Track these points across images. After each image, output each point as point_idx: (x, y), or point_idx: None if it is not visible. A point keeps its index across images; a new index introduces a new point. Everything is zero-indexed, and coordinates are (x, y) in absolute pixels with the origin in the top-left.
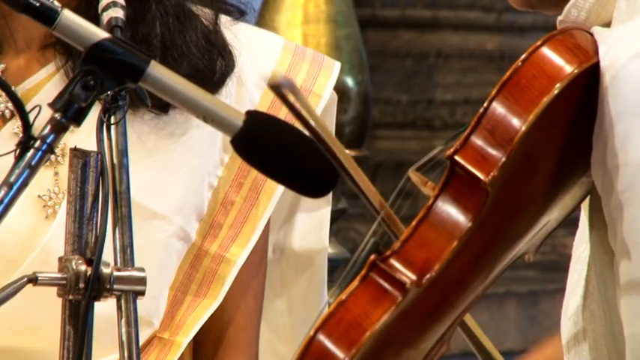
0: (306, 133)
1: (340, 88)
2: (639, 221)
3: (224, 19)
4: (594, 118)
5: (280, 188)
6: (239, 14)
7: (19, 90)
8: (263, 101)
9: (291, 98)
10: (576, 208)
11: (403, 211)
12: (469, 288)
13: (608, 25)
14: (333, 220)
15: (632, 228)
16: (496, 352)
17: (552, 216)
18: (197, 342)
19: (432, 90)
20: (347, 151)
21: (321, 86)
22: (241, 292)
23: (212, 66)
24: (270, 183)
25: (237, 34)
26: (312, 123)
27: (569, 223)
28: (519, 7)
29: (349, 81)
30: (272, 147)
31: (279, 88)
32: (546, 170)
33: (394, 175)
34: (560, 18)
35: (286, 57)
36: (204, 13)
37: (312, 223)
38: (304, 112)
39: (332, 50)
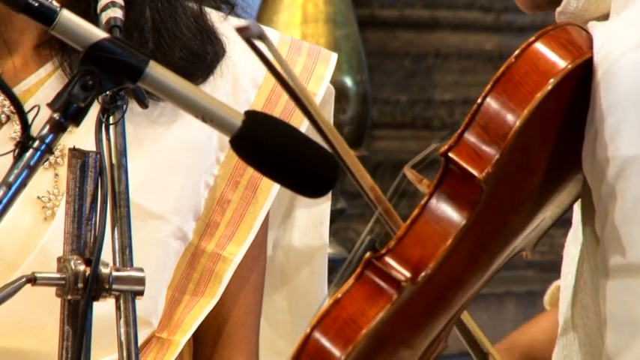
0: (276, 79)
1: (339, 88)
2: (627, 213)
3: (215, 15)
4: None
5: (277, 186)
6: (229, 8)
7: (17, 91)
8: (258, 100)
9: (262, 46)
10: (572, 205)
11: (399, 209)
12: (465, 285)
13: (607, 16)
14: (331, 220)
15: (620, 220)
16: (494, 351)
17: (548, 213)
18: (197, 339)
19: (430, 90)
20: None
21: (316, 81)
22: (240, 287)
23: (204, 47)
24: (267, 181)
25: (230, 29)
26: (285, 76)
27: (568, 223)
28: (528, 9)
29: (348, 81)
30: (271, 147)
31: (245, 33)
32: (541, 167)
33: (393, 175)
34: (559, 9)
35: (282, 52)
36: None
37: (311, 220)
38: (276, 64)
39: (331, 50)
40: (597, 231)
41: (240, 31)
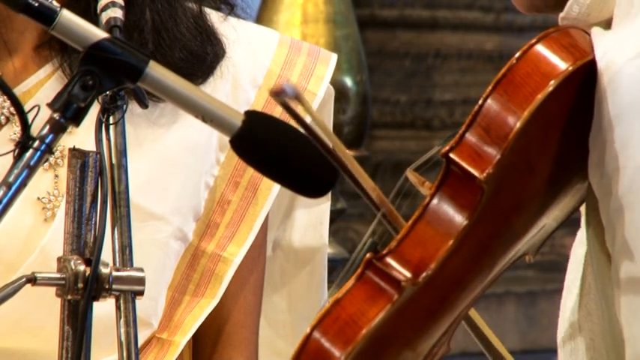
0: (312, 140)
1: (339, 88)
2: (639, 224)
3: (215, 16)
4: (591, 117)
5: (277, 187)
6: (229, 9)
7: (16, 92)
8: (258, 100)
9: (295, 105)
10: (576, 209)
11: (402, 211)
12: (468, 287)
13: (609, 21)
14: (331, 220)
15: (633, 231)
16: (504, 350)
17: (551, 217)
18: (196, 339)
19: (430, 90)
20: (348, 152)
21: (316, 81)
22: (240, 288)
23: (204, 49)
24: (267, 181)
25: (230, 30)
26: (319, 132)
27: (568, 223)
28: (526, 11)
29: (348, 81)
30: (271, 147)
31: (280, 96)
32: (543, 169)
33: (393, 175)
34: (562, 15)
35: (282, 52)
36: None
37: (311, 220)
38: (309, 119)
39: (331, 50)
40: (607, 241)
41: (276, 95)
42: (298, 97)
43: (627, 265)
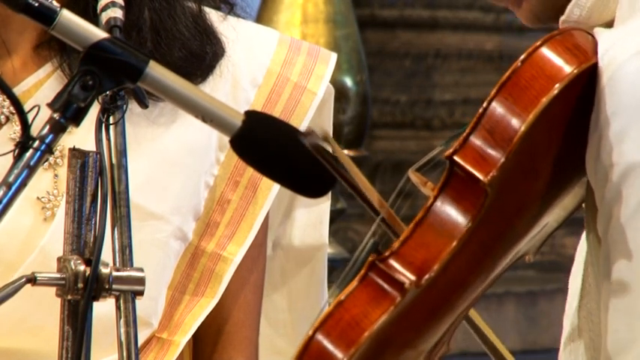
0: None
1: (339, 88)
2: (630, 218)
3: (215, 15)
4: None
5: (276, 186)
6: (228, 8)
7: (16, 92)
8: (257, 100)
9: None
10: (576, 209)
11: (403, 211)
12: (469, 288)
13: (611, 23)
14: (331, 220)
15: (623, 225)
16: (505, 351)
17: (552, 217)
18: (197, 339)
19: (430, 90)
20: (346, 151)
21: (316, 80)
22: (240, 288)
23: (203, 48)
24: (267, 181)
25: (230, 29)
26: (349, 172)
27: (569, 223)
28: (530, 24)
29: (348, 81)
30: (271, 147)
31: (311, 139)
32: (546, 171)
33: (393, 175)
34: (562, 18)
35: (281, 52)
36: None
37: (311, 219)
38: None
39: (331, 50)
40: (599, 232)
41: (306, 136)
42: (327, 139)
43: (617, 256)
